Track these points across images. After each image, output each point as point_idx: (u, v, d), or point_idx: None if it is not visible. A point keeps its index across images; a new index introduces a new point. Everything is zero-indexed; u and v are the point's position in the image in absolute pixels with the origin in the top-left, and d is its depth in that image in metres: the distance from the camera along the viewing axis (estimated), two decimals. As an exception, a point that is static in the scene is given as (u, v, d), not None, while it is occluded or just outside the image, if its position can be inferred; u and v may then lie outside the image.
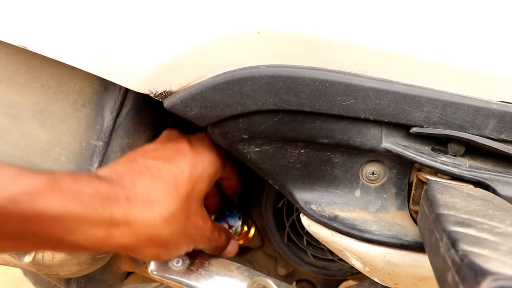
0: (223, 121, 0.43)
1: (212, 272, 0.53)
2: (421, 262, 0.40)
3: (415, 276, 0.43)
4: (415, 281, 0.43)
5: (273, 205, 0.60)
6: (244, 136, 0.44)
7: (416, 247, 0.40)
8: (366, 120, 0.41)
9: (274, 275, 0.67)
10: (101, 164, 0.54)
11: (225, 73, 0.41)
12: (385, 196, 0.45)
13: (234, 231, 0.61)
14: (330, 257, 0.62)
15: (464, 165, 0.39)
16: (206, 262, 0.53)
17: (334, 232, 0.43)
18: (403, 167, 0.44)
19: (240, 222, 0.61)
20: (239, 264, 0.53)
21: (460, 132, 0.40)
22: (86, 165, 0.54)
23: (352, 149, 0.43)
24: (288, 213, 0.61)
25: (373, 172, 0.44)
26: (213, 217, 0.63)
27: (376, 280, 0.46)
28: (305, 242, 0.63)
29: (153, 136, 0.57)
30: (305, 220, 0.46)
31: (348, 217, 0.43)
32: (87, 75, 0.51)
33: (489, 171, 0.39)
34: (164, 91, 0.43)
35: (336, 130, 0.42)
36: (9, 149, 0.55)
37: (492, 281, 0.20)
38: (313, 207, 0.44)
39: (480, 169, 0.39)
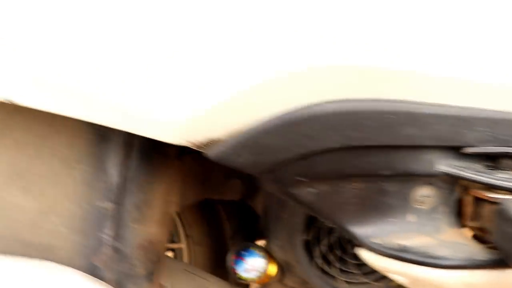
0: (277, 166, 0.39)
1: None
2: (497, 278, 0.41)
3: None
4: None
5: (301, 238, 0.57)
6: (300, 179, 0.40)
7: (490, 264, 0.41)
8: (424, 147, 0.40)
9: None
10: (116, 230, 0.46)
11: (280, 114, 0.37)
12: (438, 216, 0.45)
13: (261, 272, 0.56)
14: (364, 280, 0.61)
15: (519, 179, 0.41)
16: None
17: (404, 263, 0.42)
18: (451, 185, 0.44)
19: (265, 261, 0.56)
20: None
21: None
22: (95, 231, 0.45)
23: (407, 176, 0.42)
24: (315, 244, 0.58)
25: (424, 195, 0.44)
26: (232, 258, 0.58)
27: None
28: (338, 270, 0.61)
29: (171, 181, 0.50)
30: (366, 254, 0.44)
31: (414, 245, 0.42)
32: (74, 122, 0.42)
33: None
34: (208, 141, 0.38)
35: (396, 160, 0.40)
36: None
37: None
38: (377, 240, 0.42)
39: (534, 181, 0.41)
